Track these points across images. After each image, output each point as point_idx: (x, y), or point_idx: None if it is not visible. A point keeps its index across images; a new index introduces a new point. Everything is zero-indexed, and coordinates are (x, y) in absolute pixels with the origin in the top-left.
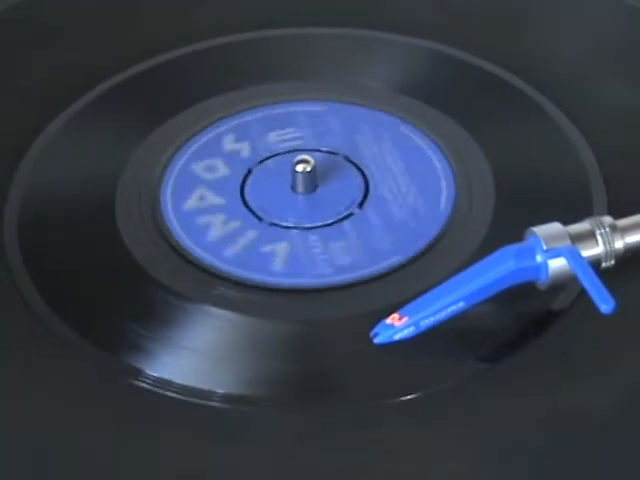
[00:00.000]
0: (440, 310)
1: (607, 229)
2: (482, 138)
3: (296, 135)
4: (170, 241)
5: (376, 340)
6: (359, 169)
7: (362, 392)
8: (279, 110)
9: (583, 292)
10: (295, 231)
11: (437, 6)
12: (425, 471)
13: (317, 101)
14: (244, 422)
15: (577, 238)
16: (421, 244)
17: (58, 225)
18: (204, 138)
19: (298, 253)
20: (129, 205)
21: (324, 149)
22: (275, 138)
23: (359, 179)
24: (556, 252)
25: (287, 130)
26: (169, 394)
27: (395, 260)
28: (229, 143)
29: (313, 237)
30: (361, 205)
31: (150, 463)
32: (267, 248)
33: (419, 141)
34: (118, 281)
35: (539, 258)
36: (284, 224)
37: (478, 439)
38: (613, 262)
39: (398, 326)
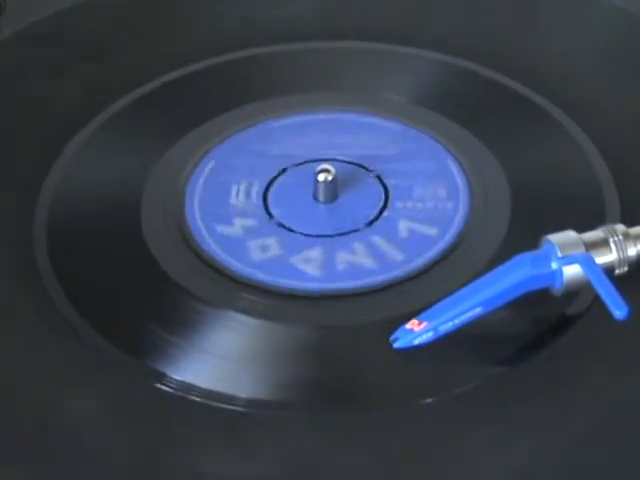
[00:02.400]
0: (458, 315)
1: (620, 237)
2: (498, 150)
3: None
4: (194, 249)
5: (396, 345)
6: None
7: (382, 396)
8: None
9: (597, 298)
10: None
11: (459, 21)
12: (443, 472)
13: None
14: (266, 426)
15: (591, 246)
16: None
17: (86, 233)
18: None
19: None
20: (155, 214)
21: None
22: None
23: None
24: (571, 259)
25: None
26: (192, 398)
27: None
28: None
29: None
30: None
31: (172, 464)
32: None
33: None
34: (144, 288)
35: (554, 265)
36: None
37: (495, 442)
38: (626, 269)
39: (417, 331)
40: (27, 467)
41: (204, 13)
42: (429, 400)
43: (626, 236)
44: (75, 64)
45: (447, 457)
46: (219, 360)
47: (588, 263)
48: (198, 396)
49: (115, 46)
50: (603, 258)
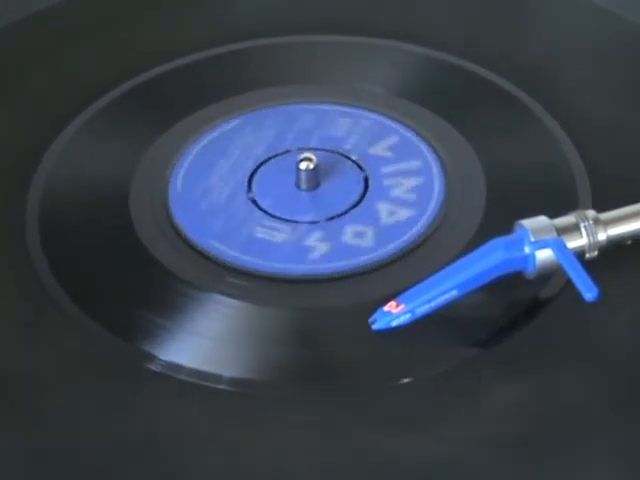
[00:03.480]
0: (435, 298)
1: (591, 222)
2: (474, 139)
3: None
4: (181, 235)
5: (374, 326)
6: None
7: (360, 375)
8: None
9: (569, 282)
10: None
11: (438, 15)
12: (422, 451)
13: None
14: (249, 404)
15: (563, 230)
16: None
17: (76, 222)
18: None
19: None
20: (142, 201)
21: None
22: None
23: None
24: (543, 243)
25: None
26: (180, 377)
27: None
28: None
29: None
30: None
31: (163, 442)
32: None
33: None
34: (133, 272)
35: (527, 249)
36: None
37: (471, 420)
38: (596, 253)
39: (395, 313)
40: (21, 446)
41: (188, 9)
42: (406, 380)
43: (596, 221)
44: (64, 57)
45: (423, 437)
46: (205, 341)
47: (559, 247)
48: (185, 375)
49: (100, 40)
50: (574, 242)
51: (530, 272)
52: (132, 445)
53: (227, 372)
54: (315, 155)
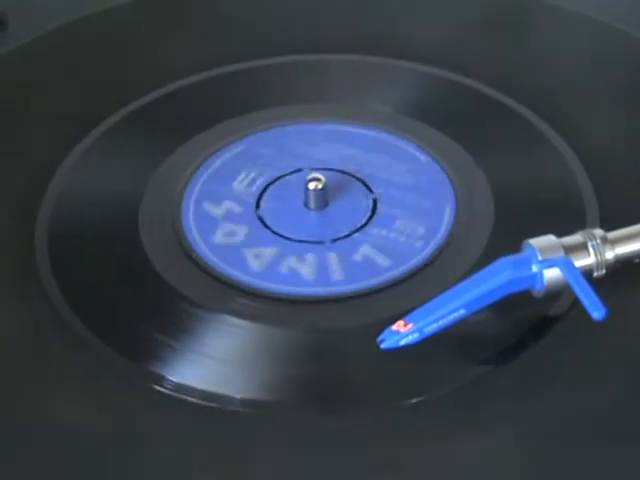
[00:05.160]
0: (443, 317)
1: (598, 241)
2: (482, 158)
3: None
4: (190, 256)
5: (383, 345)
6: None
7: (371, 395)
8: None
9: (577, 300)
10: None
11: (443, 34)
12: (426, 472)
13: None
14: (260, 425)
15: (570, 249)
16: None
17: (86, 240)
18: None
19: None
20: (152, 220)
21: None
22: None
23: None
24: (551, 262)
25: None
26: (189, 399)
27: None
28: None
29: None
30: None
31: (171, 465)
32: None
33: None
34: (142, 293)
35: (535, 268)
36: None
37: (479, 440)
38: (604, 272)
39: (403, 332)
40: (25, 469)
41: (195, 30)
42: (414, 400)
43: (604, 240)
44: (74, 76)
45: (431, 456)
46: (214, 362)
47: (567, 266)
48: (194, 397)
49: (110, 59)
50: (582, 261)
51: (538, 291)
52: (142, 467)
53: (238, 393)
54: (324, 175)
